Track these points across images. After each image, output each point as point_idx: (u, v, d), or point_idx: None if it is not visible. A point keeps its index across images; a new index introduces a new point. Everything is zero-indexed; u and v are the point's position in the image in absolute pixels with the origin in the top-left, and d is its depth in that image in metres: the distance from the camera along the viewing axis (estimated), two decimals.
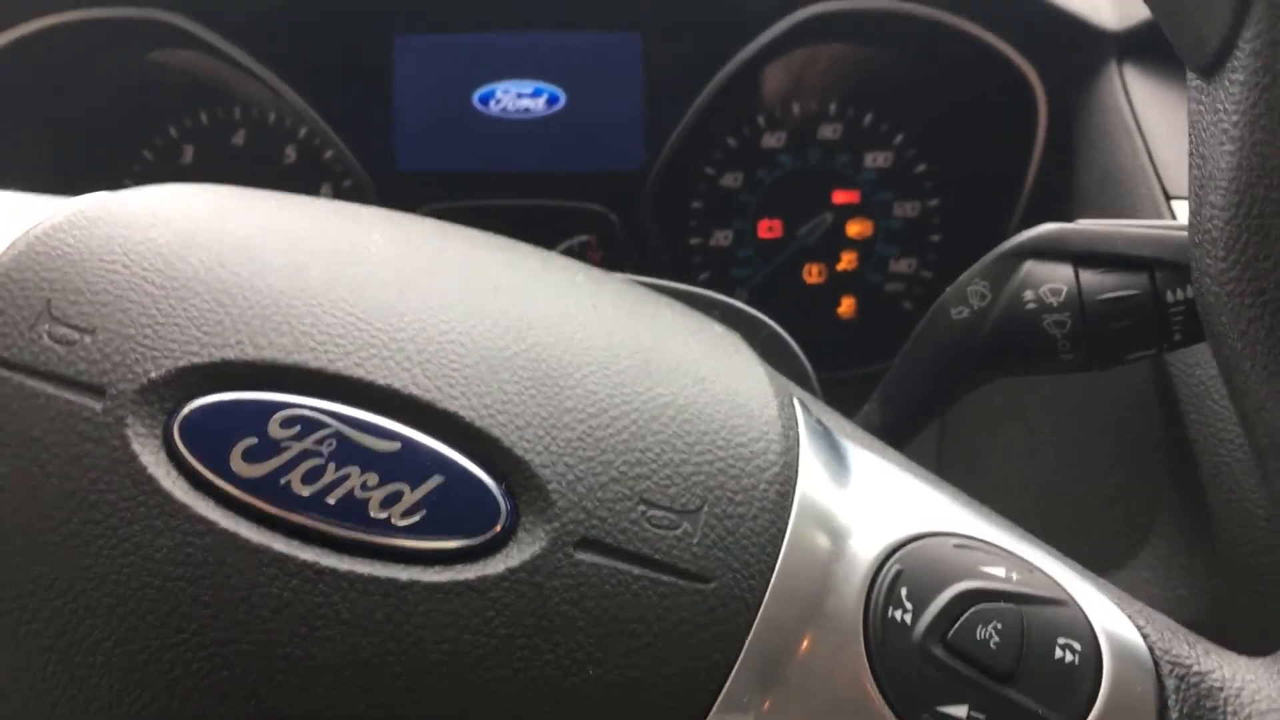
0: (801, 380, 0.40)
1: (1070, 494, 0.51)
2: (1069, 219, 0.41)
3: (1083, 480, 0.51)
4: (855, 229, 0.75)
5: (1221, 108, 0.28)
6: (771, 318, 0.47)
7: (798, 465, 0.28)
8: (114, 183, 0.74)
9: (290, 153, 0.74)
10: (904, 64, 0.71)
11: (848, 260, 0.75)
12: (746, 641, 0.25)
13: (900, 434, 0.45)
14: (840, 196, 0.74)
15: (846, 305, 0.75)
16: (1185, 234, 0.32)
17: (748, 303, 0.74)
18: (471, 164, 0.73)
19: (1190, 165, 0.30)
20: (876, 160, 0.73)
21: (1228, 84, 0.28)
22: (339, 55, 0.72)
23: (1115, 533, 0.49)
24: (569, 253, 0.73)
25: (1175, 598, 0.40)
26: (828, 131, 0.73)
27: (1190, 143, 0.30)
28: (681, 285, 0.41)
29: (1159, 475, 0.48)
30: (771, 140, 0.74)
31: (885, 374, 0.45)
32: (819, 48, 0.71)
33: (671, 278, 0.74)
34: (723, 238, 0.75)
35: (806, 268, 0.75)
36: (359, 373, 0.26)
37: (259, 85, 0.70)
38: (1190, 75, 0.30)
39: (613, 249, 0.73)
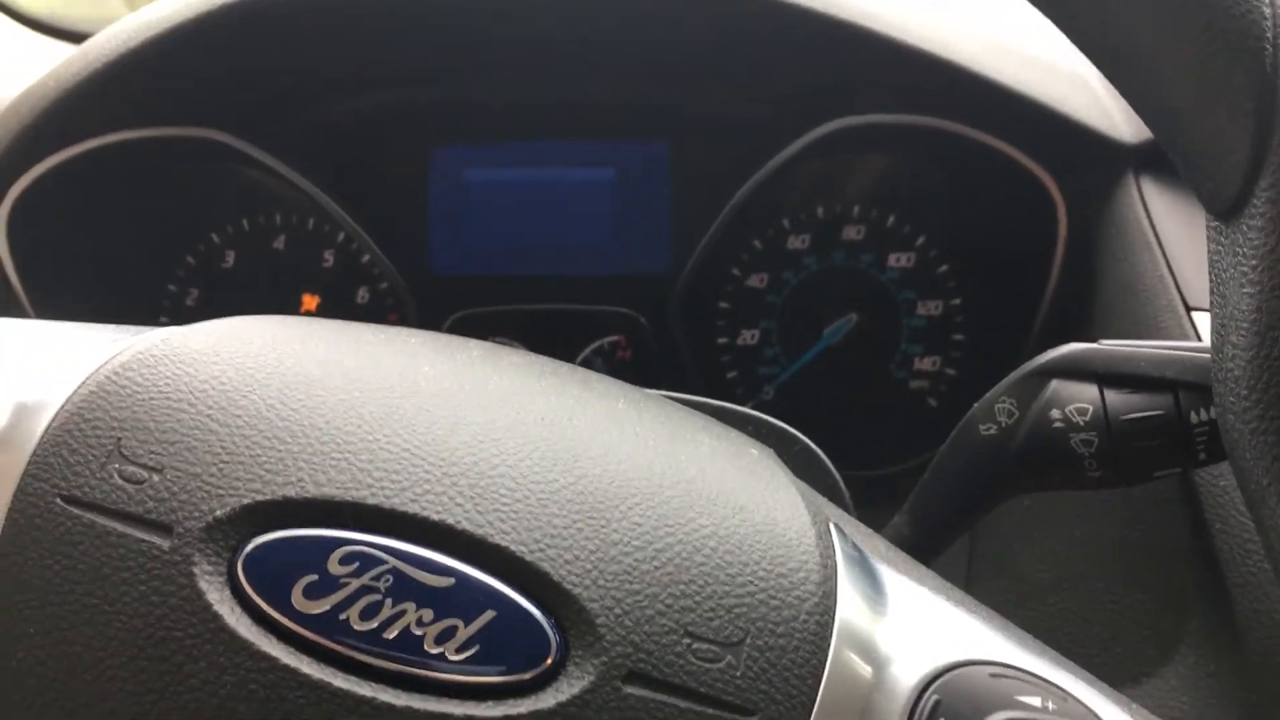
0: (834, 494, 0.41)
1: (1099, 603, 0.51)
2: (1091, 327, 0.42)
3: (1111, 590, 0.51)
4: (880, 328, 0.76)
5: (1241, 251, 0.29)
6: (799, 415, 0.47)
7: (836, 594, 0.28)
8: (159, 287, 0.76)
9: (329, 257, 0.76)
10: (926, 171, 0.72)
11: (873, 359, 0.76)
12: None
13: (931, 548, 0.45)
14: (864, 296, 0.76)
15: (872, 403, 0.76)
16: (1207, 356, 0.33)
17: (775, 400, 0.76)
18: (503, 268, 0.75)
19: (1211, 303, 0.31)
20: (900, 260, 0.75)
21: (1245, 229, 0.29)
22: (376, 166, 0.75)
23: (1144, 641, 0.49)
24: (599, 352, 0.74)
25: (1204, 705, 0.40)
26: (851, 233, 0.75)
27: (1210, 281, 0.31)
28: (716, 402, 0.42)
29: (1187, 585, 0.48)
30: (796, 242, 0.75)
31: (911, 473, 0.46)
32: (843, 157, 0.73)
33: (699, 376, 0.75)
34: (750, 337, 0.76)
35: (832, 366, 0.76)
36: (414, 509, 0.27)
37: (299, 194, 0.72)
38: (1208, 216, 0.31)
39: (642, 349, 0.75)
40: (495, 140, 0.74)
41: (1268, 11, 0.27)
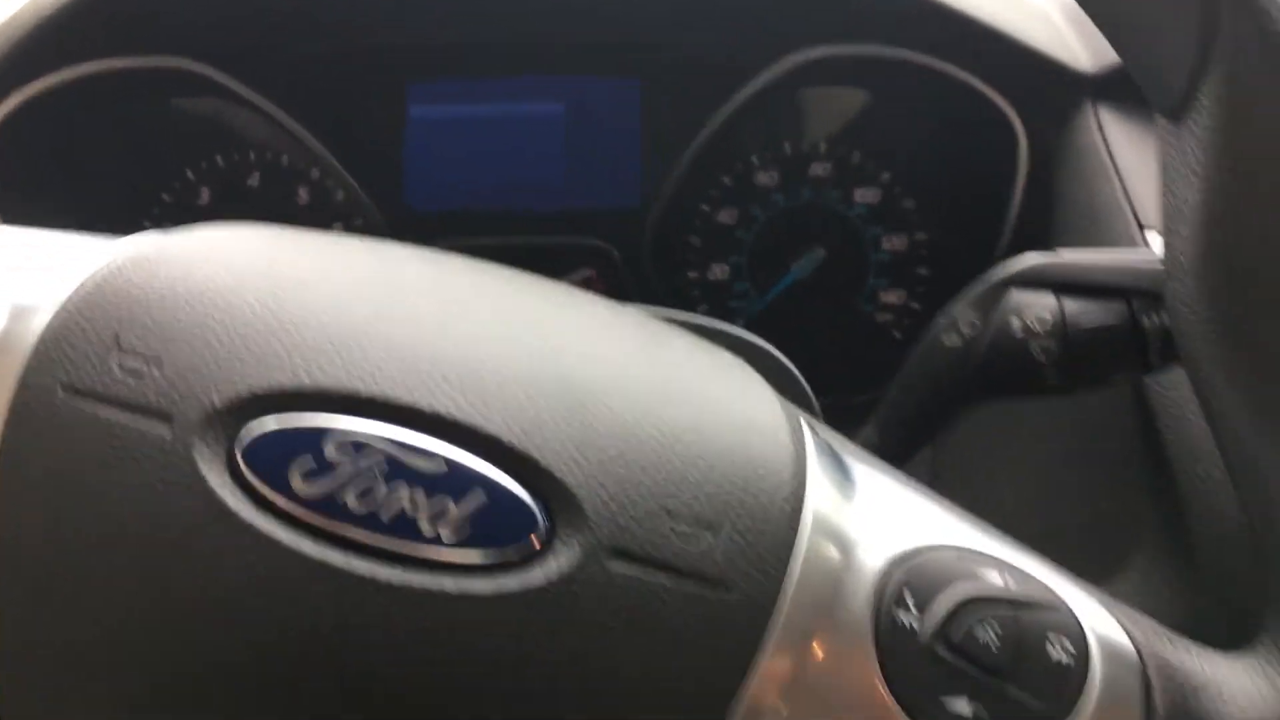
0: (803, 403, 0.42)
1: (1055, 513, 0.53)
2: (1050, 251, 0.43)
3: (1067, 500, 0.53)
4: (847, 262, 0.78)
5: (1189, 148, 0.31)
6: (795, 368, 0.49)
7: (807, 482, 0.30)
8: (135, 225, 0.77)
9: (303, 194, 0.76)
10: (890, 105, 0.74)
11: (840, 292, 0.78)
12: (765, 645, 0.27)
13: (897, 456, 0.47)
14: (831, 231, 0.77)
15: (839, 335, 0.77)
16: (1159, 264, 0.35)
17: None
18: (479, 203, 0.76)
19: (1162, 201, 0.32)
20: (866, 196, 0.76)
21: (1193, 126, 0.30)
22: (353, 100, 0.75)
23: (1100, 548, 0.51)
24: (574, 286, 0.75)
25: (1155, 611, 0.42)
26: (819, 170, 0.76)
27: (1161, 180, 0.32)
28: (690, 315, 0.43)
29: (1140, 493, 0.50)
30: (765, 179, 0.76)
31: (878, 401, 0.47)
32: (809, 90, 0.74)
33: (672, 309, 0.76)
34: (720, 271, 0.78)
35: (801, 299, 0.78)
36: (407, 399, 0.28)
37: (274, 129, 0.72)
38: (1158, 117, 0.32)
39: (615, 283, 0.76)
40: (472, 77, 0.74)
41: None
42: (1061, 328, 0.42)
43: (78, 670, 0.27)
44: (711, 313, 0.79)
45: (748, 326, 0.78)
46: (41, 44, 0.63)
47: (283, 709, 0.27)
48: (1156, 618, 0.31)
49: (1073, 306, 0.42)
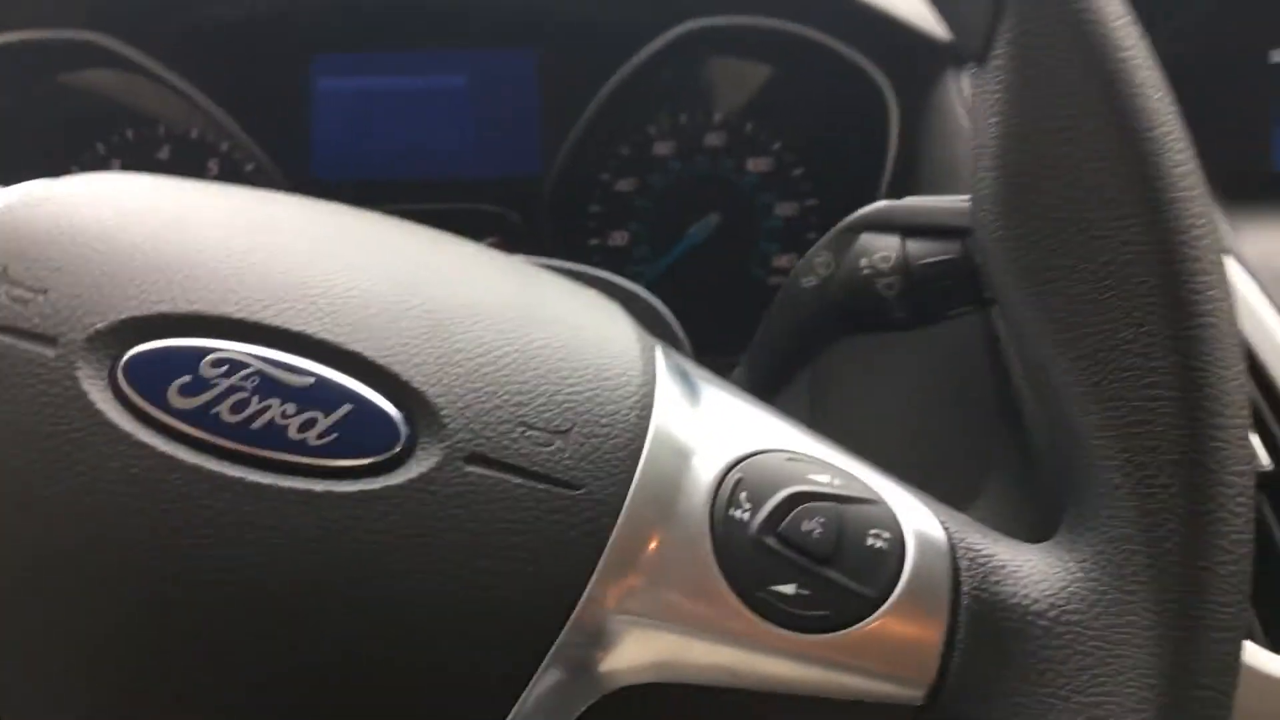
0: (674, 342, 0.45)
1: (920, 445, 0.57)
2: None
3: (927, 435, 0.57)
4: (740, 227, 0.81)
5: (990, 88, 0.34)
6: (666, 309, 0.52)
7: (654, 395, 0.32)
8: None
9: (213, 166, 0.78)
10: (776, 76, 0.77)
11: (734, 256, 0.81)
12: (611, 537, 0.30)
13: (765, 390, 0.51)
14: (726, 198, 0.80)
15: (733, 297, 0.81)
16: None
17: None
18: (384, 172, 0.79)
19: (973, 139, 0.36)
20: (758, 165, 0.80)
21: (992, 68, 0.34)
22: (258, 74, 0.77)
23: (962, 474, 0.55)
24: None
25: (1008, 527, 0.45)
26: (713, 139, 0.79)
27: (971, 118, 0.36)
28: (570, 264, 0.46)
29: (992, 426, 0.54)
30: (662, 148, 0.79)
31: None
32: (701, 62, 0.77)
33: None
34: (620, 238, 0.81)
35: (698, 264, 0.81)
36: (278, 321, 0.30)
37: (182, 102, 0.74)
38: (970, 63, 0.36)
39: (517, 249, 0.78)
40: (375, 47, 0.77)
41: None
42: (904, 265, 0.45)
43: None
44: None
45: (646, 288, 0.81)
46: None
47: (160, 602, 0.29)
48: (1008, 533, 0.34)
49: (914, 246, 0.45)
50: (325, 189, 0.78)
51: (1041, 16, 0.32)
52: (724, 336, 0.79)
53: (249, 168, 0.78)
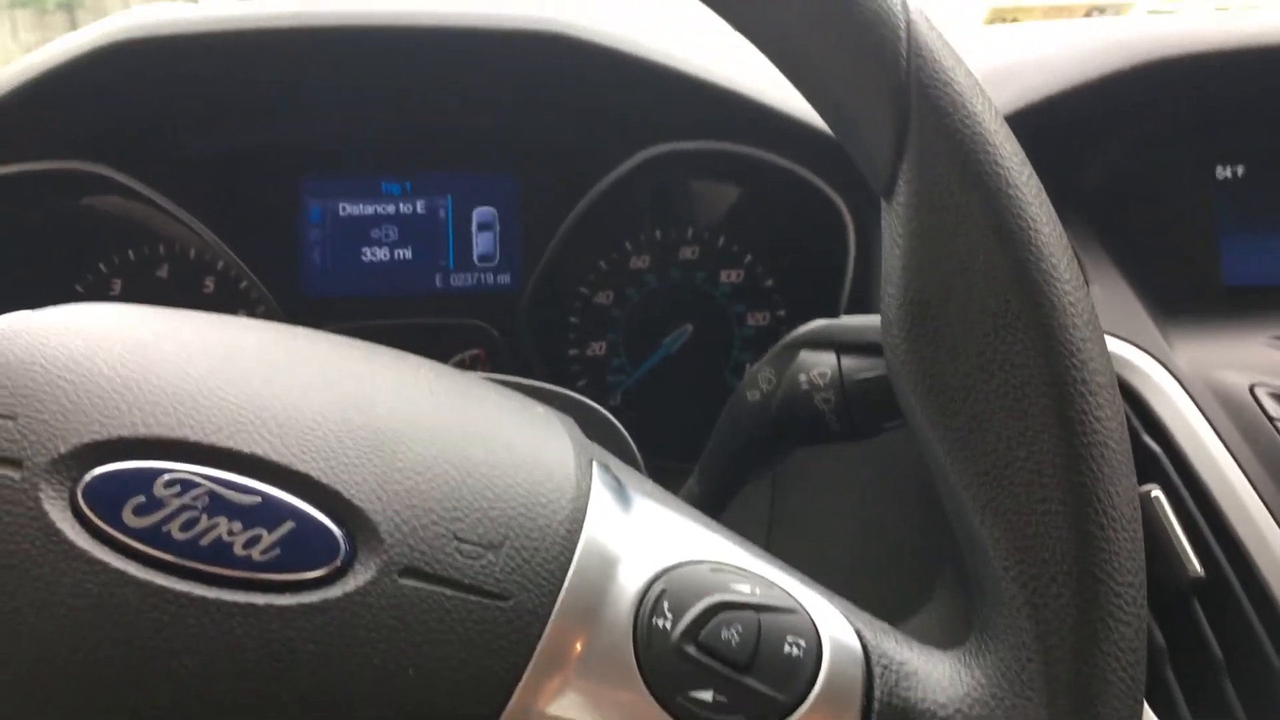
0: (627, 457, 0.47)
1: (871, 554, 0.58)
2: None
3: (882, 542, 0.59)
4: (713, 337, 0.84)
5: (895, 221, 0.36)
6: (643, 417, 0.54)
7: (586, 510, 0.34)
8: None
9: (210, 283, 0.82)
10: (742, 194, 0.81)
11: (707, 365, 0.84)
12: (537, 646, 0.31)
13: (716, 501, 0.52)
14: (700, 309, 0.84)
15: (706, 404, 0.83)
16: None
17: (621, 404, 0.83)
18: (371, 289, 0.82)
19: (882, 265, 0.38)
20: (730, 277, 0.83)
21: (896, 205, 0.36)
22: (250, 198, 0.81)
23: (913, 577, 0.56)
24: (461, 365, 0.81)
25: (928, 630, 0.46)
26: (687, 253, 0.83)
27: (882, 248, 0.38)
28: (528, 381, 0.48)
29: (917, 525, 0.56)
30: (638, 262, 0.83)
31: None
32: (672, 181, 0.81)
33: (551, 383, 0.81)
34: (598, 348, 0.84)
35: (672, 372, 0.84)
36: (229, 444, 0.32)
37: (177, 225, 0.77)
38: (880, 197, 0.39)
39: (499, 361, 0.82)
40: (360, 172, 0.81)
41: (901, 24, 0.35)
42: (839, 381, 0.47)
43: None
44: (590, 386, 0.84)
45: (623, 398, 0.84)
46: None
47: (109, 711, 0.30)
48: (952, 642, 0.35)
49: (849, 363, 0.47)
50: (314, 305, 0.82)
51: (937, 157, 0.35)
52: (698, 442, 0.81)
53: (243, 285, 0.81)
